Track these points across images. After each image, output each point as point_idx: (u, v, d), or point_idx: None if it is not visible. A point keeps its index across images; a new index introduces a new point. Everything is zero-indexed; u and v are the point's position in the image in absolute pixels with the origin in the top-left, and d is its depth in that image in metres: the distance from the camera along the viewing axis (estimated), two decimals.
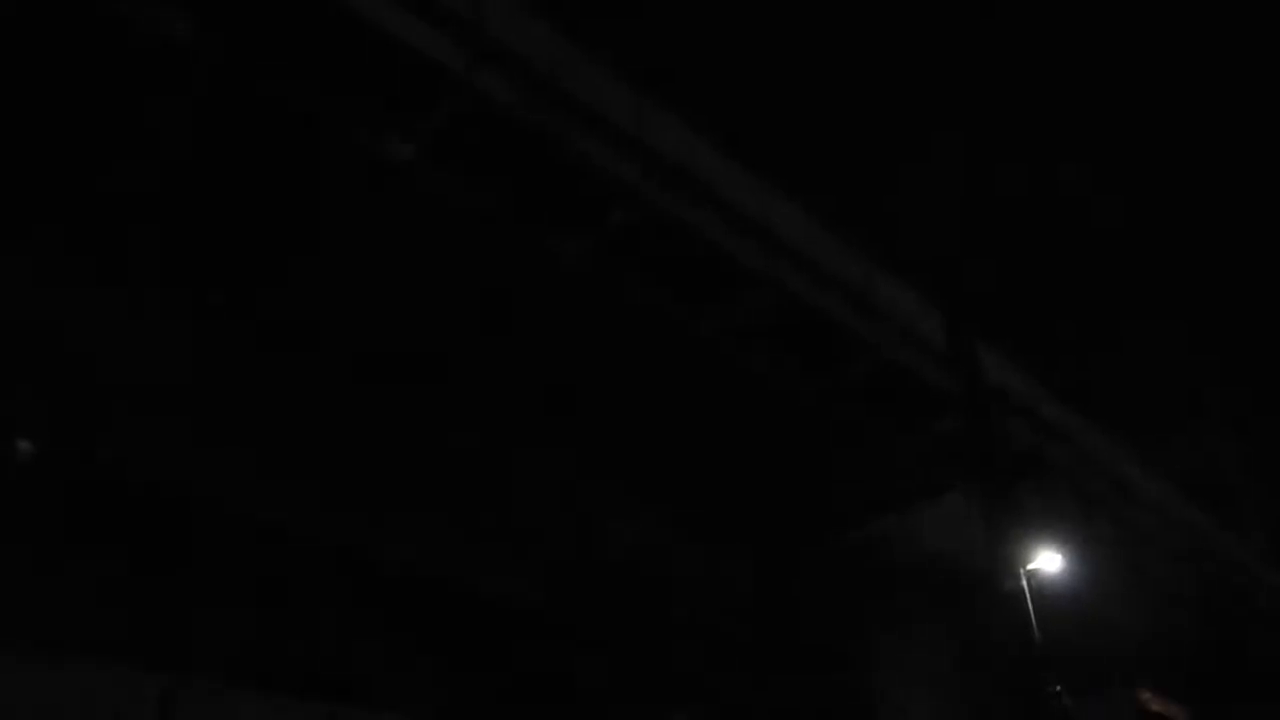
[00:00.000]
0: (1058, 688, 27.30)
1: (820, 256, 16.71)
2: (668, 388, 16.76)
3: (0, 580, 13.11)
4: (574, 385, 16.61)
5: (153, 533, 13.96)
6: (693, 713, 20.09)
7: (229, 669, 14.32)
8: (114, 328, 13.72)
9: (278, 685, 13.51)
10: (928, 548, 19.86)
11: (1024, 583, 15.76)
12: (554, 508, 18.58)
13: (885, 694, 20.12)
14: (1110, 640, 26.48)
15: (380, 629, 18.74)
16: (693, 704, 20.46)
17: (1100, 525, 21.09)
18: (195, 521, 14.26)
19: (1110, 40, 39.68)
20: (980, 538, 16.52)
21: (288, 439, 15.09)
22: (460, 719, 16.38)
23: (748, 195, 15.54)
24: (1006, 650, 16.47)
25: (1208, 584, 27.63)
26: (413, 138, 12.60)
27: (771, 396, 17.18)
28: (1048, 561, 16.54)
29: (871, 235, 18.19)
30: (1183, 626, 28.27)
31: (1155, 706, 18.60)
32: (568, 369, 16.28)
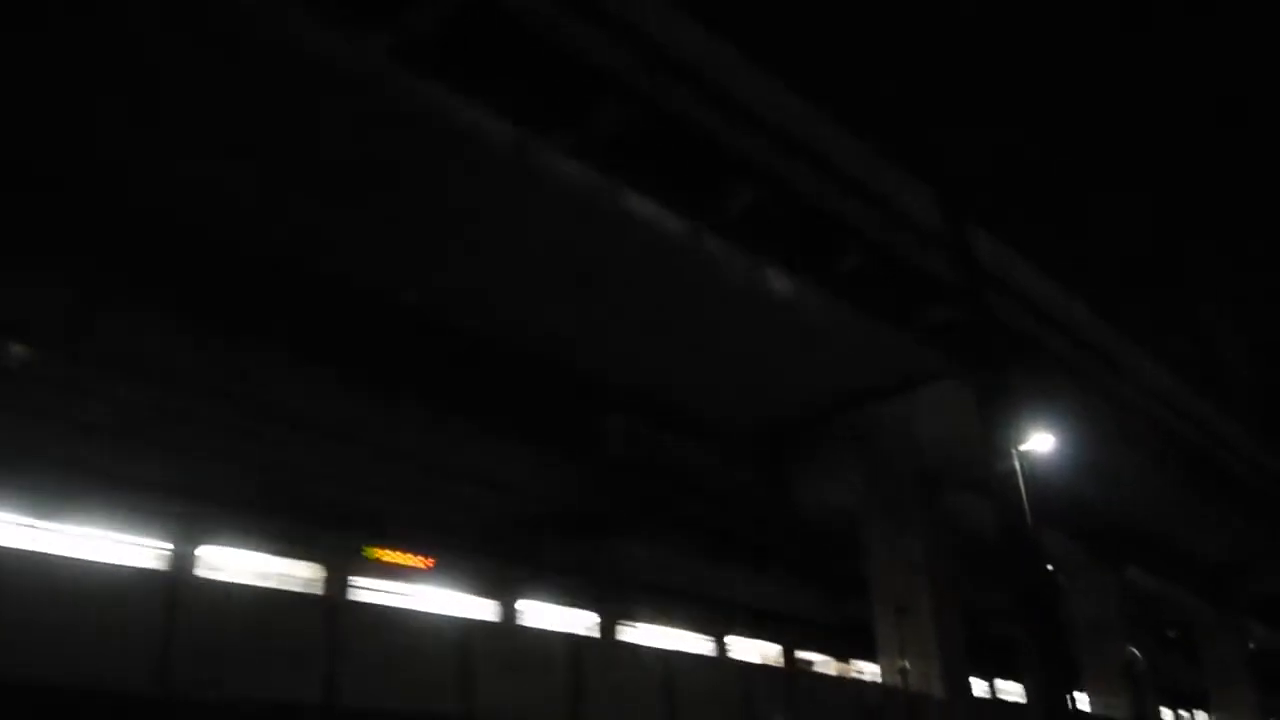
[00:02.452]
0: (1050, 567, 27.90)
1: (817, 142, 16.42)
2: (647, 283, 16.61)
3: None
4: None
5: None
6: None
7: None
8: None
9: None
10: (921, 432, 19.97)
11: (1016, 463, 15.85)
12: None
13: (876, 578, 20.51)
14: (1101, 519, 26.98)
15: None
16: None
17: (1093, 406, 21.17)
18: None
19: None
20: (973, 420, 16.60)
21: None
22: None
23: (744, 81, 15.10)
24: (999, 531, 16.67)
25: (1199, 463, 27.96)
26: None
27: (764, 286, 17.03)
28: (1040, 442, 16.59)
29: (868, 119, 17.81)
30: (1173, 505, 28.72)
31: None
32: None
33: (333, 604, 14.07)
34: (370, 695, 10.23)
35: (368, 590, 17.00)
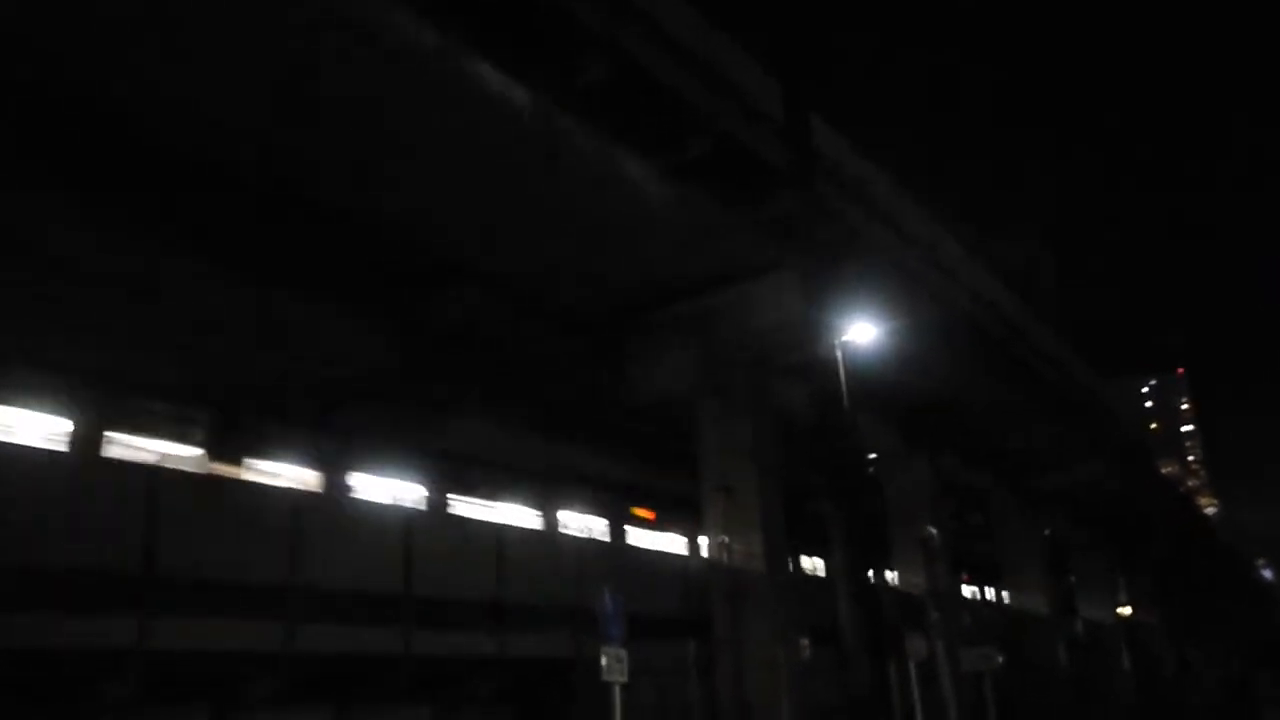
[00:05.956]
0: (870, 455, 29.57)
1: (668, 23, 16.22)
2: (487, 161, 16.27)
3: None
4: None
5: None
6: None
7: None
8: None
9: None
10: (756, 320, 20.54)
11: (838, 353, 16.59)
12: None
13: (705, 459, 21.28)
14: (918, 408, 28.67)
15: None
16: None
17: (917, 301, 22.20)
18: None
19: None
20: (801, 310, 17.23)
21: None
22: None
23: None
24: (818, 416, 17.53)
25: (1011, 364, 29.97)
26: None
27: (611, 167, 16.95)
28: (862, 332, 17.40)
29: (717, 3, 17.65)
30: (985, 400, 30.80)
31: None
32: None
33: None
34: None
35: None
